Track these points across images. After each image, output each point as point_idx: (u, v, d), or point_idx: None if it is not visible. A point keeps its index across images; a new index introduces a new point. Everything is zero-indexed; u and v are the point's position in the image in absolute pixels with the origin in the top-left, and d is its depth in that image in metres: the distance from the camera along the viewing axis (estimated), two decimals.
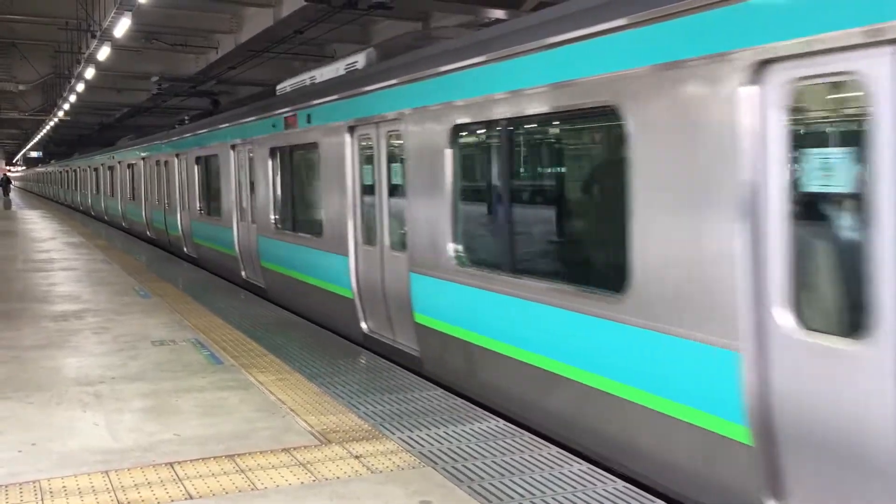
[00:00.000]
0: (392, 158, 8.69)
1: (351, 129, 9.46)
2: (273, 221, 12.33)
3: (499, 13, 15.05)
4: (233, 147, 14.39)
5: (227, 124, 14.93)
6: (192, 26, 24.59)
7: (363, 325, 9.45)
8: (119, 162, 28.67)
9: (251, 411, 6.47)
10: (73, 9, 22.61)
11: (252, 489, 4.89)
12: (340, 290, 9.87)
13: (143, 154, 23.86)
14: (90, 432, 6.00)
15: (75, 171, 46.28)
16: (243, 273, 14.28)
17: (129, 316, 10.72)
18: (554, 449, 5.54)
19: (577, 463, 5.27)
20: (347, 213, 9.59)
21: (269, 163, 12.40)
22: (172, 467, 5.26)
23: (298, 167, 11.83)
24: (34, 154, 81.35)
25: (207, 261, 16.98)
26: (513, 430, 5.97)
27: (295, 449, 5.58)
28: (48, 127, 48.52)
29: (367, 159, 9.26)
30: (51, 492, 4.89)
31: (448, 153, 7.43)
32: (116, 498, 4.79)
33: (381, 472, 5.14)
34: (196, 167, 17.41)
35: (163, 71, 26.78)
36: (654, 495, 4.90)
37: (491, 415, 6.36)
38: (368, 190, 9.25)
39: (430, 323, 7.86)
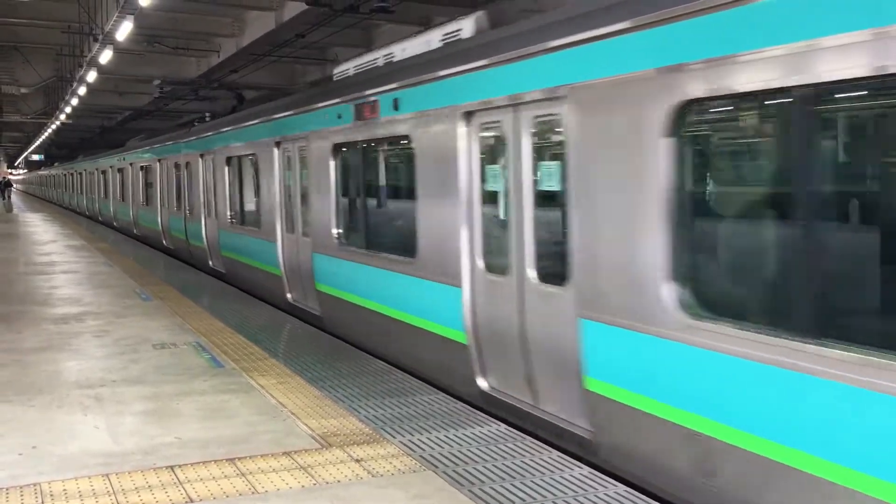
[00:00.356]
0: (542, 155, 6.36)
1: (467, 117, 7.07)
2: (336, 236, 9.95)
3: None
4: (278, 144, 11.96)
5: (269, 117, 12.44)
6: (194, 30, 24.64)
7: (481, 382, 7.06)
8: (131, 164, 26.19)
9: (252, 415, 6.47)
10: (75, 12, 22.66)
11: (253, 493, 4.89)
12: (444, 331, 7.47)
13: (159, 155, 21.53)
14: (91, 435, 6.00)
15: (81, 173, 43.37)
16: (289, 296, 11.85)
17: (130, 319, 10.72)
18: (555, 453, 5.54)
19: (578, 467, 5.26)
20: (458, 229, 7.14)
21: (332, 163, 9.97)
22: (173, 470, 5.27)
23: (376, 167, 9.52)
24: (36, 157, 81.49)
25: (239, 277, 14.51)
26: (514, 434, 5.97)
27: (296, 452, 5.58)
28: (50, 130, 48.58)
29: (493, 156, 6.88)
30: (51, 495, 4.89)
31: (665, 146, 4.92)
32: (117, 501, 4.79)
33: (381, 475, 5.14)
34: (227, 169, 14.96)
35: (164, 74, 26.80)
36: (654, 499, 4.89)
37: (492, 419, 6.36)
38: (493, 198, 6.90)
39: (621, 396, 5.35)
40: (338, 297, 9.96)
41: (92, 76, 25.07)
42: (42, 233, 28.04)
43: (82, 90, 28.22)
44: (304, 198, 11.06)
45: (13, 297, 12.83)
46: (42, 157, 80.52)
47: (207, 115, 20.47)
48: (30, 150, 75.28)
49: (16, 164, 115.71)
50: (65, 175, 55.49)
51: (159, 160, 21.47)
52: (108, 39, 19.86)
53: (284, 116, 11.69)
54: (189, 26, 24.17)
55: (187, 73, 28.54)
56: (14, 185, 77.48)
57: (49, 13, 24.16)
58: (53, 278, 15.16)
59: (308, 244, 10.89)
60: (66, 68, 30.66)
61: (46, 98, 40.66)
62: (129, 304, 12.01)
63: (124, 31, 18.23)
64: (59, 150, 72.65)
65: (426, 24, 20.47)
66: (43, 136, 55.77)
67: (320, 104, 10.30)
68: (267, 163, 12.43)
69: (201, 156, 16.79)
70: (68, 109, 34.76)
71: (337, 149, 9.93)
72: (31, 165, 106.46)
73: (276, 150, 12.05)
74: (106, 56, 21.51)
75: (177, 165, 19.24)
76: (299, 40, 19.44)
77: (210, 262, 16.72)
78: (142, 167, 24.23)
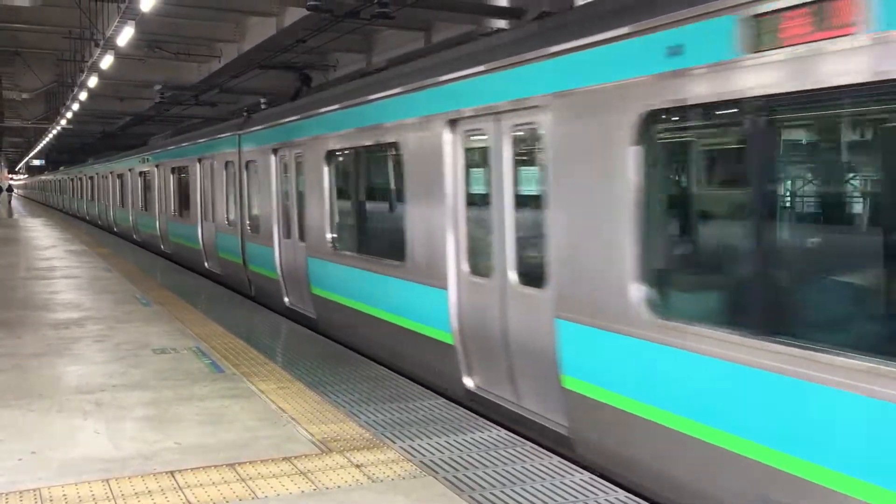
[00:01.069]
0: None
1: None
2: (645, 297, 5.19)
3: (501, 23, 15.10)
4: (452, 124, 7.38)
5: (434, 81, 7.66)
6: (195, 35, 24.67)
7: None
8: (157, 165, 22.00)
9: (252, 420, 6.47)
10: (76, 18, 22.68)
11: (253, 498, 4.88)
12: None
13: (199, 154, 17.37)
14: (91, 440, 5.99)
15: (92, 178, 38.50)
16: (471, 381, 7.36)
17: (130, 324, 10.71)
18: (556, 459, 5.53)
19: (579, 473, 5.25)
20: None
21: (631, 151, 5.23)
22: (173, 476, 5.26)
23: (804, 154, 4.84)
24: (36, 162, 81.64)
25: (348, 331, 9.90)
26: (514, 439, 5.96)
27: (296, 458, 5.58)
28: (51, 135, 48.64)
29: None
30: (51, 500, 4.89)
31: None
32: None
33: (382, 480, 5.13)
34: (326, 169, 10.29)
35: (165, 79, 26.84)
36: None
37: (492, 424, 6.35)
38: None
39: None
40: (630, 413, 5.31)
41: (93, 81, 25.08)
42: (43, 238, 28.04)
43: (83, 95, 28.23)
44: (527, 220, 6.57)
45: (13, 302, 12.82)
46: (43, 161, 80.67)
47: (263, 101, 16.37)
48: (31, 154, 75.40)
49: (17, 170, 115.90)
50: (72, 180, 50.81)
51: (199, 160, 17.37)
52: (110, 45, 19.88)
53: (474, 75, 7.02)
54: (190, 31, 24.21)
55: (188, 78, 28.59)
56: (15, 190, 77.77)
57: (50, 18, 24.18)
58: (54, 283, 15.15)
59: (538, 301, 6.27)
60: (68, 73, 30.69)
61: (47, 103, 40.68)
62: (129, 309, 12.00)
63: (125, 36, 18.25)
64: (59, 156, 72.75)
65: (427, 30, 20.53)
66: (44, 142, 55.81)
67: (587, 40, 5.60)
68: (422, 157, 7.87)
69: (274, 151, 12.49)
70: (69, 115, 34.78)
71: (651, 122, 5.14)
72: (32, 170, 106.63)
73: (447, 136, 7.44)
74: (107, 61, 21.53)
75: (227, 166, 15.16)
76: (300, 45, 19.47)
77: (285, 300, 12.32)
78: (173, 169, 20.10)
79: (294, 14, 19.56)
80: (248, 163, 13.88)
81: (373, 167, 9.67)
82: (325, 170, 10.35)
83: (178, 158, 19.44)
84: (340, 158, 10.15)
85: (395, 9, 14.33)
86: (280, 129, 12.18)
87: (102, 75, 24.41)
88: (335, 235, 10.27)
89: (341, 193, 10.20)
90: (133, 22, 17.35)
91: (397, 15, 14.73)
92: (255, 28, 22.86)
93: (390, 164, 8.96)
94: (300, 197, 11.36)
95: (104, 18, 21.12)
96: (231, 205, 15.10)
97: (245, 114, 15.11)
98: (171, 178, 20.32)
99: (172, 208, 20.25)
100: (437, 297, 7.58)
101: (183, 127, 24.51)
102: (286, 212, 12.07)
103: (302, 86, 15.06)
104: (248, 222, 14.03)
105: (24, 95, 38.14)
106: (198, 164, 17.47)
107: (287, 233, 12.00)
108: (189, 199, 18.24)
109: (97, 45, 21.19)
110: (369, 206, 9.62)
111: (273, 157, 12.47)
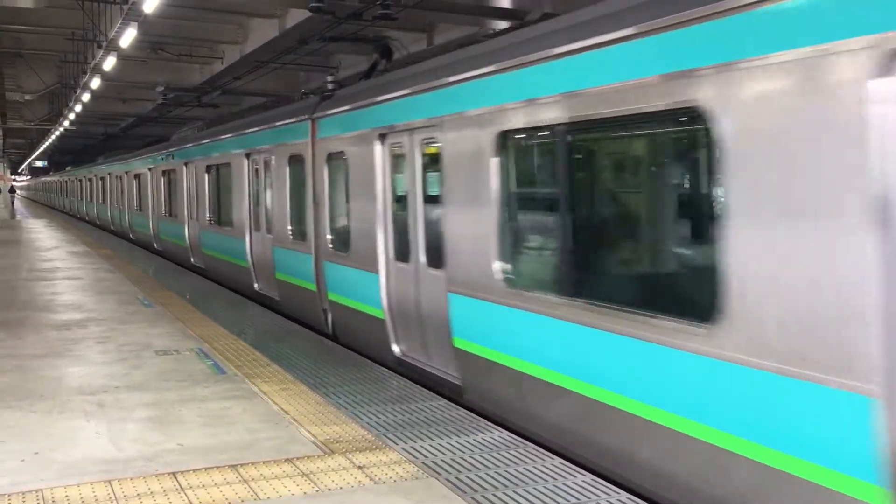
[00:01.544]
0: None
1: None
2: None
3: (503, 24, 15.12)
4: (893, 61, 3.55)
5: None
6: (198, 37, 24.73)
7: None
8: (185, 164, 18.97)
9: (254, 421, 6.47)
10: (79, 19, 22.72)
11: (255, 499, 4.88)
12: None
13: (246, 148, 14.18)
14: (93, 441, 6.00)
15: (103, 179, 35.38)
16: None
17: (132, 325, 10.72)
18: (557, 460, 5.53)
19: (581, 475, 5.25)
20: None
21: None
22: (175, 477, 5.26)
23: None
24: (39, 164, 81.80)
25: (537, 416, 6.40)
26: (516, 441, 5.96)
27: (298, 459, 5.58)
28: (54, 136, 48.72)
29: None
30: (53, 501, 4.89)
31: None
32: None
33: (384, 482, 5.13)
34: (495, 161, 6.74)
35: (168, 81, 26.88)
36: None
37: (494, 426, 6.35)
38: None
39: None
40: None
41: (96, 83, 25.12)
42: (45, 239, 28.08)
43: (86, 97, 28.28)
44: None
45: (16, 303, 12.84)
46: (45, 163, 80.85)
47: (330, 78, 12.23)
48: (33, 156, 75.53)
49: (19, 171, 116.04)
50: (80, 181, 47.32)
51: (247, 155, 14.17)
52: (112, 46, 19.91)
53: None
54: (192, 33, 24.27)
55: (191, 79, 28.66)
56: (18, 192, 78.01)
57: (53, 20, 24.23)
58: (56, 284, 15.17)
59: None
60: (70, 75, 30.74)
61: (50, 104, 40.76)
62: (131, 310, 12.01)
63: (128, 37, 18.27)
64: (62, 157, 72.89)
65: (429, 32, 20.56)
66: (47, 143, 55.89)
67: None
68: (782, 135, 4.13)
69: (381, 137, 8.99)
70: (72, 116, 34.84)
71: None
72: (34, 172, 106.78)
73: (876, 85, 3.65)
74: (109, 63, 21.57)
75: (293, 160, 11.89)
76: (303, 47, 19.50)
77: (395, 347, 8.91)
78: (208, 168, 17.01)
79: (296, 16, 19.61)
80: (330, 155, 10.48)
81: (619, 156, 5.93)
82: (494, 162, 6.75)
83: (216, 154, 16.15)
84: (532, 143, 6.55)
85: (397, 10, 14.33)
86: (394, 105, 8.58)
87: (105, 76, 24.45)
88: (510, 265, 6.73)
89: (529, 200, 6.69)
90: (135, 23, 17.37)
91: (399, 16, 14.74)
92: (257, 30, 22.92)
93: (671, 151, 5.43)
94: (432, 202, 7.95)
95: (107, 20, 21.16)
96: (297, 212, 11.78)
97: (303, 95, 12.11)
98: (206, 179, 17.05)
99: (207, 215, 17.02)
100: (833, 405, 3.91)
101: (225, 116, 22.29)
102: (401, 224, 8.66)
103: (380, 59, 11.92)
104: (328, 236, 10.58)
105: (27, 97, 38.22)
106: (245, 161, 14.20)
107: (403, 254, 8.60)
108: (231, 203, 15.00)
109: (100, 47, 21.22)
110: (603, 220, 6.00)
111: (379, 147, 8.98)
